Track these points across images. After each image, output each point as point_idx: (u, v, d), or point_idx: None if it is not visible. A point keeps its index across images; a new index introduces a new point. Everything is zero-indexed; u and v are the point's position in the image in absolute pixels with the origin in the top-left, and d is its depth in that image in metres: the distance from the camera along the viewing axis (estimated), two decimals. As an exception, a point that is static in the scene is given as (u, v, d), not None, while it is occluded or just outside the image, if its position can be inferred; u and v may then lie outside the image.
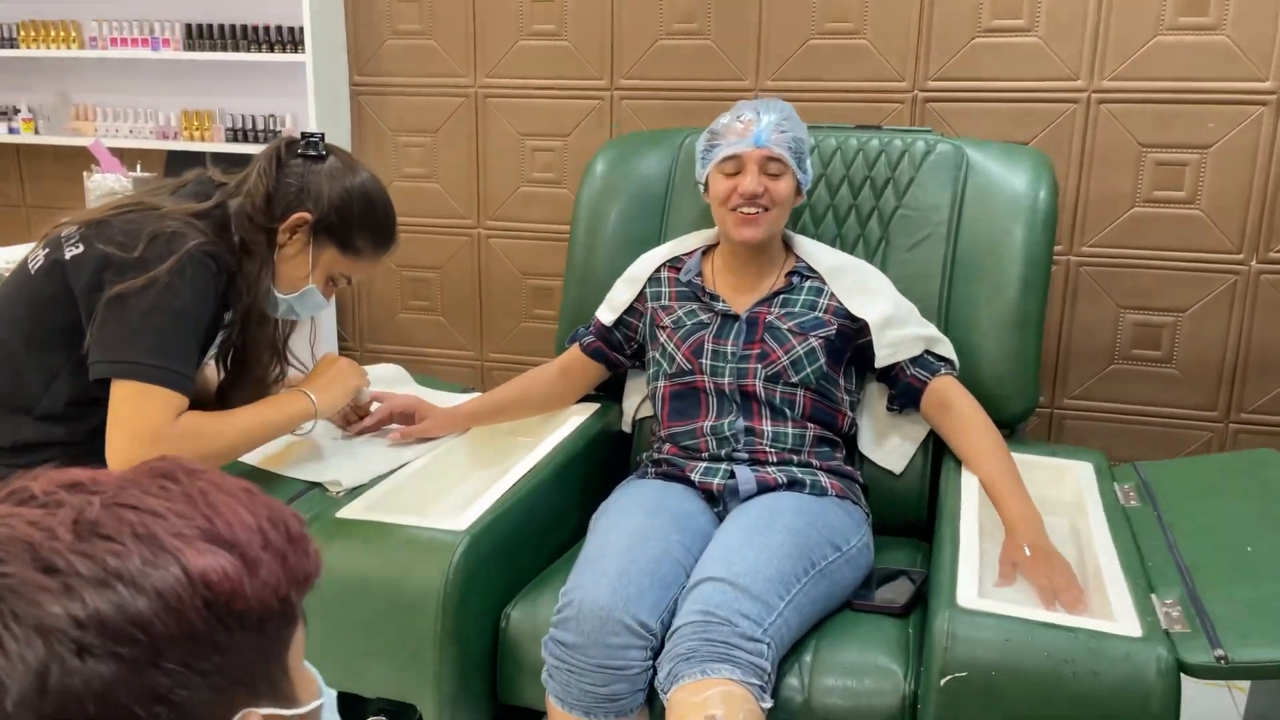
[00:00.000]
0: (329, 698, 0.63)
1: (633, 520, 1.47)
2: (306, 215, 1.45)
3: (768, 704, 1.24)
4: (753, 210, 1.60)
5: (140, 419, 1.26)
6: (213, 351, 1.46)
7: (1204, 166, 2.30)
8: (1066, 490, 1.59)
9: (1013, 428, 1.81)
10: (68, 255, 1.32)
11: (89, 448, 1.35)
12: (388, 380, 1.86)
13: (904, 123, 2.45)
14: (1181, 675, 1.11)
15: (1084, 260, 2.41)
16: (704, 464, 1.60)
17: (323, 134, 1.54)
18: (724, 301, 1.69)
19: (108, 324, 1.28)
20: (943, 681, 1.14)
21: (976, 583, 1.26)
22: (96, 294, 1.28)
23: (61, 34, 3.01)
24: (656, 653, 1.32)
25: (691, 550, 1.44)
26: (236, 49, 2.84)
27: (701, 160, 1.66)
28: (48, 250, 1.36)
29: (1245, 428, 2.38)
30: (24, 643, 0.46)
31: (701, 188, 1.69)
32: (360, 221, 1.49)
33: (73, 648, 0.47)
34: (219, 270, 1.36)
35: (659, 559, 1.39)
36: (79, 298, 1.30)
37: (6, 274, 1.90)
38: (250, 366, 1.48)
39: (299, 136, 1.52)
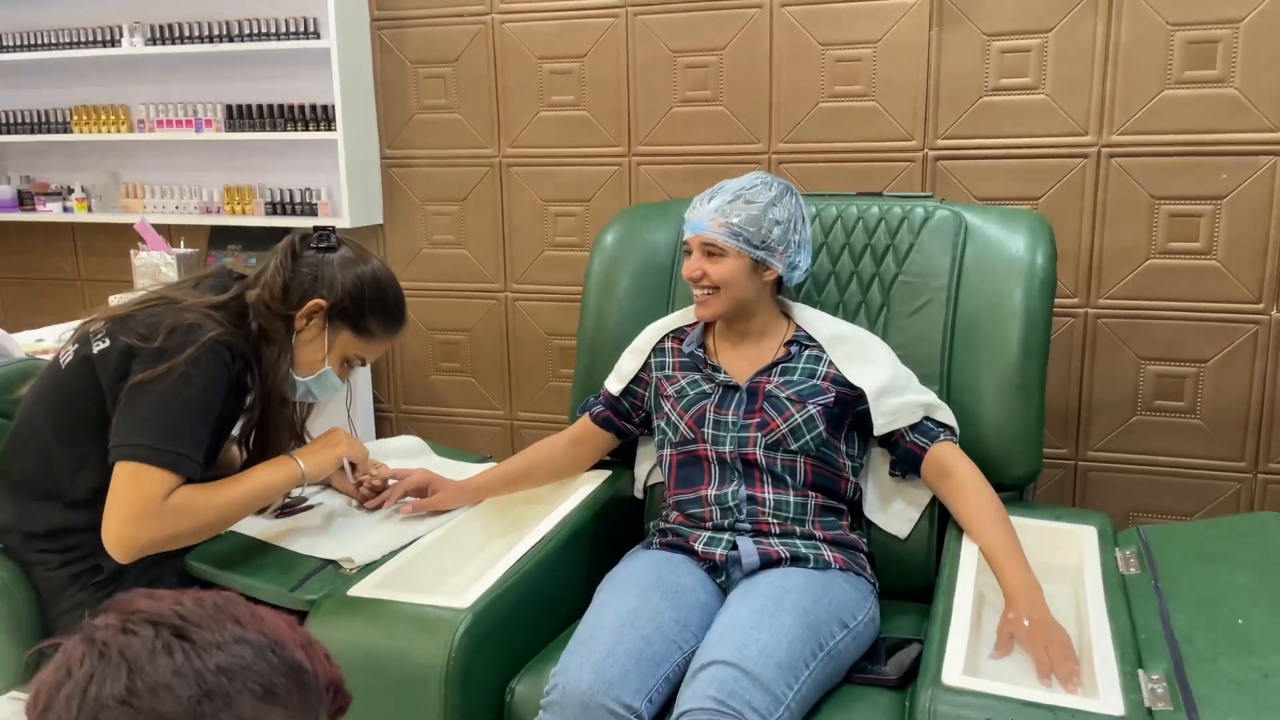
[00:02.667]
0: None
1: (626, 600, 1.50)
2: (321, 302, 1.54)
3: None
4: (701, 291, 1.69)
5: (133, 496, 1.34)
6: (235, 434, 1.54)
7: (1219, 217, 2.29)
8: (1069, 556, 1.59)
9: (1020, 490, 1.82)
10: (95, 350, 1.42)
11: (114, 534, 1.44)
12: (406, 451, 1.93)
13: (915, 182, 2.48)
14: (1164, 754, 1.11)
15: (1101, 313, 2.41)
16: (707, 534, 1.64)
17: (334, 227, 1.63)
18: (725, 372, 1.73)
19: (125, 411, 1.37)
20: (925, 761, 1.16)
21: (963, 658, 1.27)
22: (121, 384, 1.37)
23: (111, 118, 3.18)
24: None
25: (688, 626, 1.47)
26: (274, 128, 2.98)
27: None
28: (77, 346, 1.45)
29: (1274, 478, 2.35)
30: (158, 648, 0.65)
31: None
32: (372, 305, 1.57)
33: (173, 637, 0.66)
34: (233, 358, 1.44)
35: (649, 639, 1.42)
36: (106, 390, 1.39)
37: (53, 353, 2.01)
38: (270, 447, 1.56)
39: (312, 230, 1.61)
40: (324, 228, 1.61)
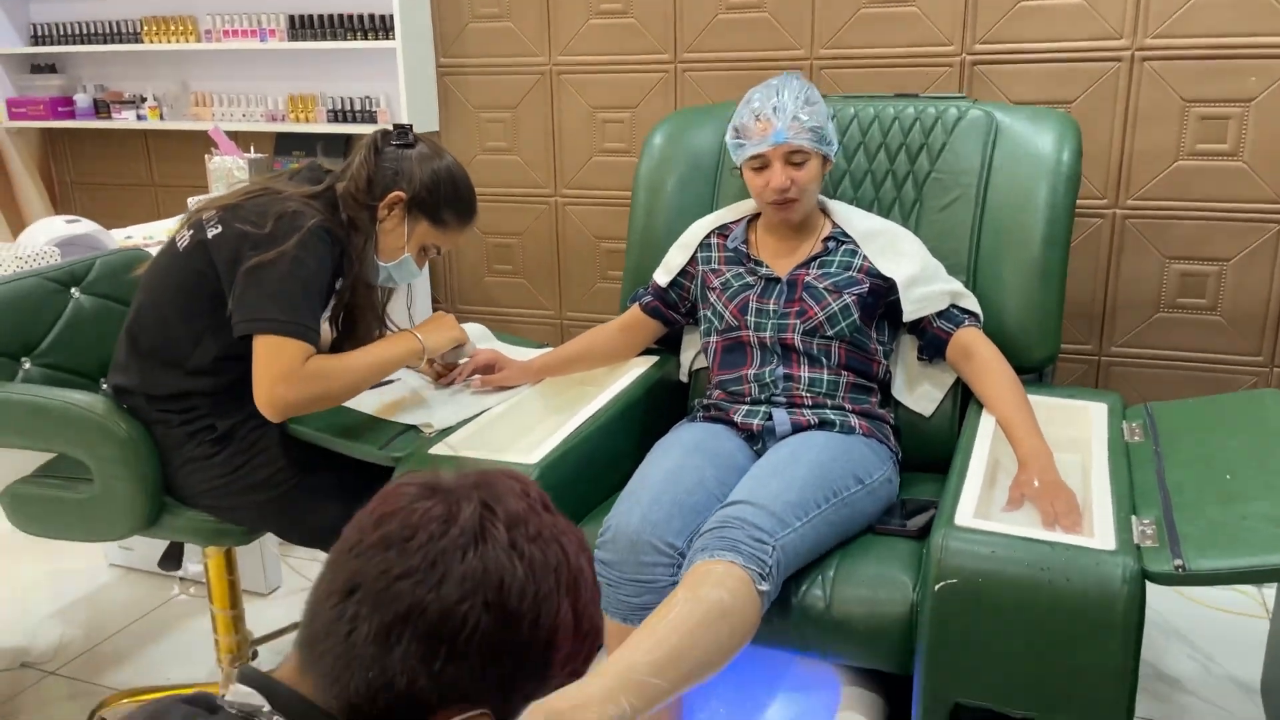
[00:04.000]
0: None
1: (671, 457, 1.68)
2: (401, 194, 1.69)
3: (764, 588, 1.40)
4: (785, 200, 1.78)
5: (278, 364, 1.52)
6: (325, 315, 1.72)
7: (1246, 120, 2.36)
8: (1080, 429, 1.74)
9: (1040, 373, 1.96)
10: (209, 235, 1.59)
11: (229, 396, 1.63)
12: (473, 337, 2.11)
13: (952, 86, 2.57)
14: (1147, 583, 1.28)
15: (1129, 213, 2.51)
16: (746, 407, 1.81)
17: (412, 125, 1.78)
18: (767, 266, 1.88)
19: (247, 290, 1.54)
20: (936, 588, 1.33)
21: (974, 506, 1.44)
22: (236, 266, 1.55)
23: (179, 28, 3.33)
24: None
25: (725, 483, 1.65)
26: (334, 37, 3.11)
27: (732, 154, 1.84)
28: (192, 231, 1.63)
29: (1290, 372, 2.46)
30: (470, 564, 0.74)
31: (738, 172, 1.87)
32: (447, 198, 1.73)
33: (484, 601, 0.74)
34: (333, 243, 1.61)
35: (691, 489, 1.60)
36: (221, 270, 1.57)
37: (145, 247, 2.20)
38: (357, 327, 1.74)
39: (392, 128, 1.76)
40: (402, 125, 1.76)
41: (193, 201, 2.89)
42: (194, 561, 2.41)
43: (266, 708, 0.75)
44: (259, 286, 1.55)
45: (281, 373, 1.53)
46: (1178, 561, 1.27)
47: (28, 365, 1.78)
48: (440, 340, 1.79)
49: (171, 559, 1.91)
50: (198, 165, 3.37)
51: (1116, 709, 1.29)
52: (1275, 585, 1.77)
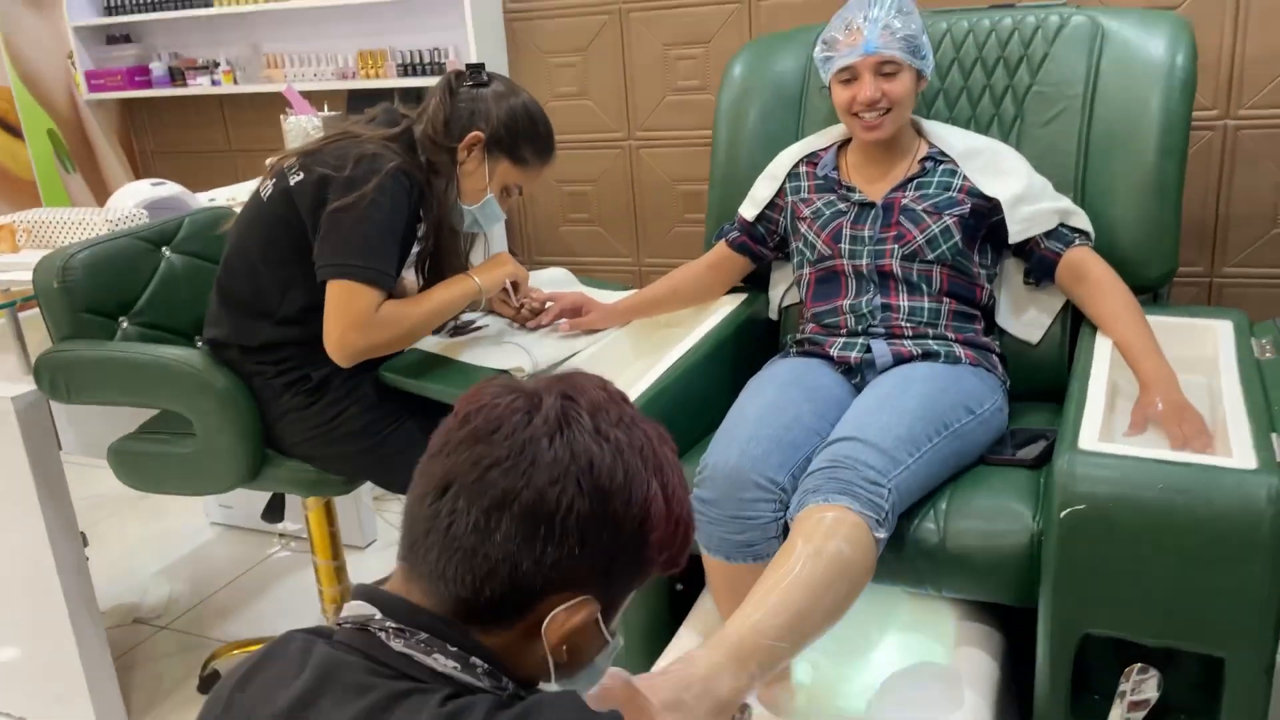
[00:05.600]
0: (617, 643, 0.85)
1: (767, 394, 1.63)
2: (480, 134, 1.66)
3: (880, 535, 1.36)
4: (874, 114, 1.69)
5: (351, 310, 1.52)
6: (411, 261, 1.70)
7: (1374, 14, 2.19)
8: (1205, 349, 1.64)
9: (1156, 293, 1.85)
10: (292, 182, 1.58)
11: (321, 345, 1.63)
12: (557, 282, 2.07)
13: (1047, -4, 2.42)
14: (1295, 503, 1.19)
15: (1241, 124, 2.36)
16: (842, 339, 1.74)
17: (484, 63, 1.74)
18: (860, 191, 1.80)
19: (327, 236, 1.53)
20: (1062, 514, 1.27)
21: (1098, 429, 1.36)
22: (318, 211, 1.54)
23: (248, -10, 3.33)
24: (786, 506, 1.48)
25: (825, 417, 1.59)
26: (401, -12, 3.07)
27: (821, 69, 1.76)
28: (275, 180, 1.62)
29: None
30: (560, 451, 0.75)
31: (827, 90, 1.79)
32: (525, 135, 1.69)
33: (576, 480, 0.75)
34: (412, 185, 1.59)
35: (789, 425, 1.55)
36: (305, 216, 1.56)
37: (233, 206, 2.21)
38: (444, 274, 1.71)
39: (465, 68, 1.72)
40: (475, 64, 1.72)
41: (270, 162, 2.91)
42: (292, 521, 2.46)
43: (378, 615, 0.76)
44: (337, 231, 1.53)
45: (354, 319, 1.53)
46: (1330, 479, 1.18)
47: (125, 324, 1.80)
48: (495, 276, 1.75)
49: (274, 511, 1.94)
50: (274, 128, 3.37)
51: (1262, 634, 1.21)
52: None
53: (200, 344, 1.91)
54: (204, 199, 2.63)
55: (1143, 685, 1.32)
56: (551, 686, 0.81)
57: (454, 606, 0.76)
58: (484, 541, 0.73)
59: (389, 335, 1.57)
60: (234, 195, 2.71)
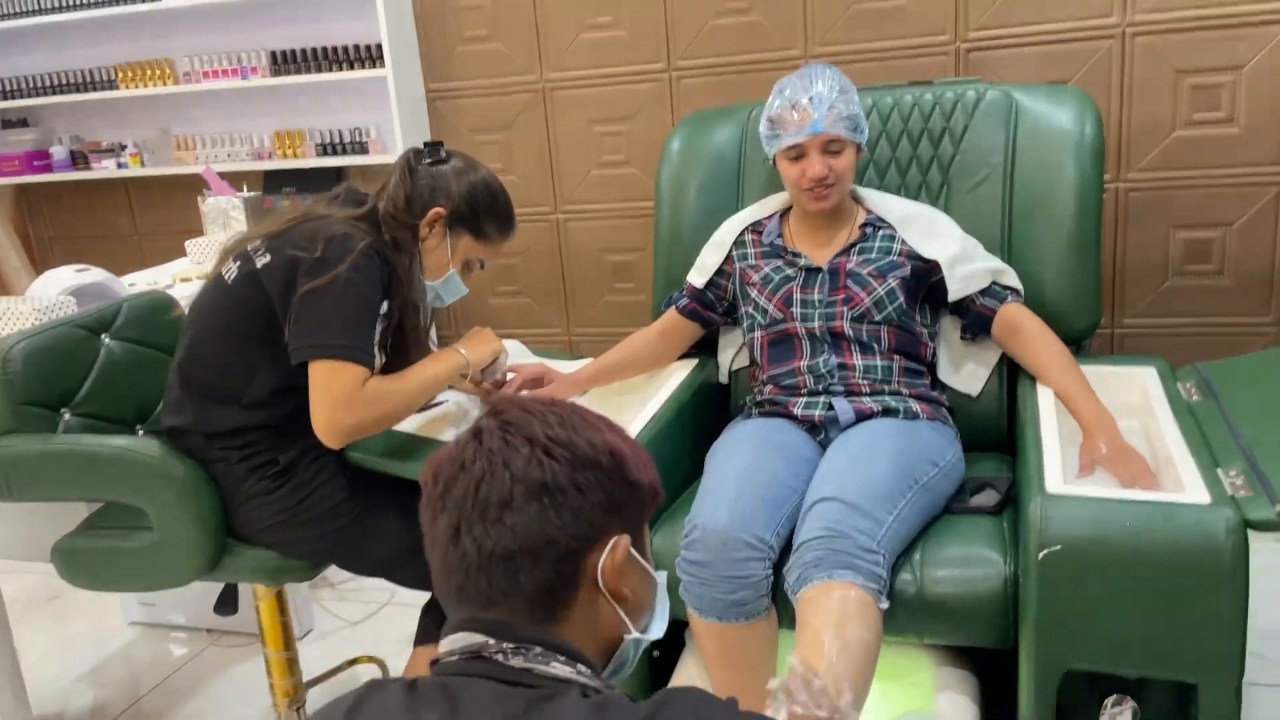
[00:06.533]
0: (662, 576, 0.95)
1: (743, 454, 1.68)
2: (441, 210, 1.67)
3: (884, 605, 1.44)
4: (821, 188, 1.79)
5: (337, 388, 1.50)
6: (375, 339, 1.68)
7: (1238, 86, 2.43)
8: (1135, 394, 1.76)
9: (1079, 344, 1.98)
10: (259, 264, 1.56)
11: (289, 428, 1.59)
12: (513, 353, 2.08)
13: (949, 74, 2.61)
14: (1249, 532, 1.29)
15: (1133, 186, 2.56)
16: (804, 399, 1.80)
17: (442, 141, 1.76)
18: (805, 257, 1.88)
19: (302, 317, 1.51)
20: (1041, 556, 1.33)
21: (1060, 473, 1.44)
22: (290, 292, 1.52)
23: (157, 72, 3.27)
24: (774, 564, 1.53)
25: (799, 475, 1.64)
26: (320, 70, 3.08)
27: (766, 143, 1.84)
28: (239, 262, 1.59)
29: (1300, 329, 2.52)
30: (519, 445, 0.85)
31: (770, 162, 1.88)
32: (487, 209, 1.71)
33: (544, 453, 0.84)
34: (383, 263, 1.59)
35: (769, 484, 1.60)
36: (274, 298, 1.54)
37: (157, 289, 2.14)
38: (408, 349, 1.70)
39: (423, 145, 1.74)
40: (433, 142, 1.74)
41: (192, 244, 2.84)
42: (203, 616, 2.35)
43: (491, 641, 0.83)
44: (313, 311, 1.52)
45: (341, 398, 1.51)
46: (1279, 508, 1.28)
47: (67, 416, 1.72)
48: (482, 352, 1.77)
49: (227, 603, 1.86)
50: (183, 211, 3.31)
51: (1229, 658, 1.30)
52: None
53: (141, 432, 1.84)
54: (125, 283, 2.54)
55: (1120, 716, 1.39)
56: (635, 636, 0.90)
57: (528, 614, 0.84)
58: (513, 539, 0.82)
59: (378, 412, 1.55)
60: (155, 279, 2.63)
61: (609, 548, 0.85)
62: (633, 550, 0.88)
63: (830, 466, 1.61)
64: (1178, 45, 2.44)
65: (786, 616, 1.57)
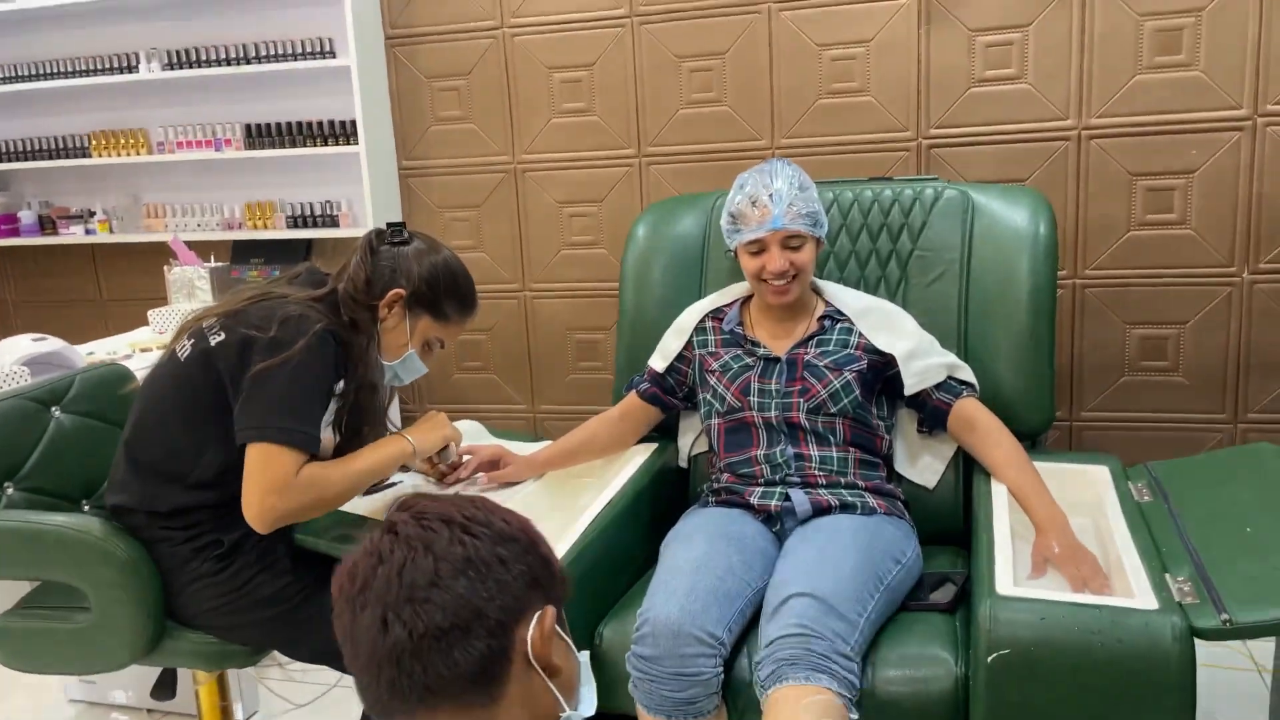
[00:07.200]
0: (585, 656, 0.97)
1: (697, 545, 1.67)
2: (401, 291, 1.68)
3: (854, 716, 1.42)
4: (782, 282, 1.81)
5: (269, 473, 1.48)
6: (328, 419, 1.67)
7: (1190, 190, 2.50)
8: (1087, 492, 1.77)
9: (1034, 439, 2.00)
10: (213, 342, 1.55)
11: (233, 509, 1.57)
12: (470, 434, 2.07)
13: (911, 168, 2.67)
14: (1195, 640, 1.29)
15: (1088, 282, 2.62)
16: (760, 489, 1.80)
17: (405, 222, 1.77)
18: (764, 346, 1.90)
19: (250, 398, 1.50)
20: (989, 659, 1.33)
21: (1011, 574, 1.44)
22: (241, 373, 1.51)
23: (130, 141, 3.29)
24: (725, 660, 1.51)
25: (753, 567, 1.63)
26: (294, 144, 3.10)
27: (727, 236, 1.87)
28: (193, 340, 1.58)
29: (1253, 427, 2.56)
30: (438, 528, 0.85)
31: (731, 255, 1.90)
32: (447, 291, 1.72)
33: (463, 531, 0.86)
34: (338, 345, 1.58)
35: (722, 577, 1.58)
36: (225, 377, 1.52)
37: (115, 360, 2.13)
38: (362, 430, 1.69)
39: (386, 226, 1.75)
40: (396, 223, 1.75)
41: (155, 314, 2.82)
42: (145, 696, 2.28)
43: None
44: (260, 393, 1.51)
45: (273, 483, 1.49)
46: (1224, 616, 1.29)
47: (10, 490, 1.69)
48: (431, 440, 1.76)
49: (165, 687, 1.80)
50: (150, 278, 3.30)
51: (1177, 769, 1.28)
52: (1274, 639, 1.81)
53: (88, 508, 1.81)
54: (83, 353, 2.52)
55: (1070, 824, 1.37)
56: (568, 715, 0.91)
57: (467, 697, 0.83)
58: (443, 616, 0.82)
59: (311, 498, 1.52)
60: (114, 349, 2.61)
61: (536, 619, 0.86)
62: (559, 626, 0.89)
63: (796, 560, 1.60)
64: (1131, 149, 2.52)
65: (736, 713, 1.54)
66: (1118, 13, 2.47)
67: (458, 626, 0.82)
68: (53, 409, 1.81)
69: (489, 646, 0.83)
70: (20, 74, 3.30)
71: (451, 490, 1.87)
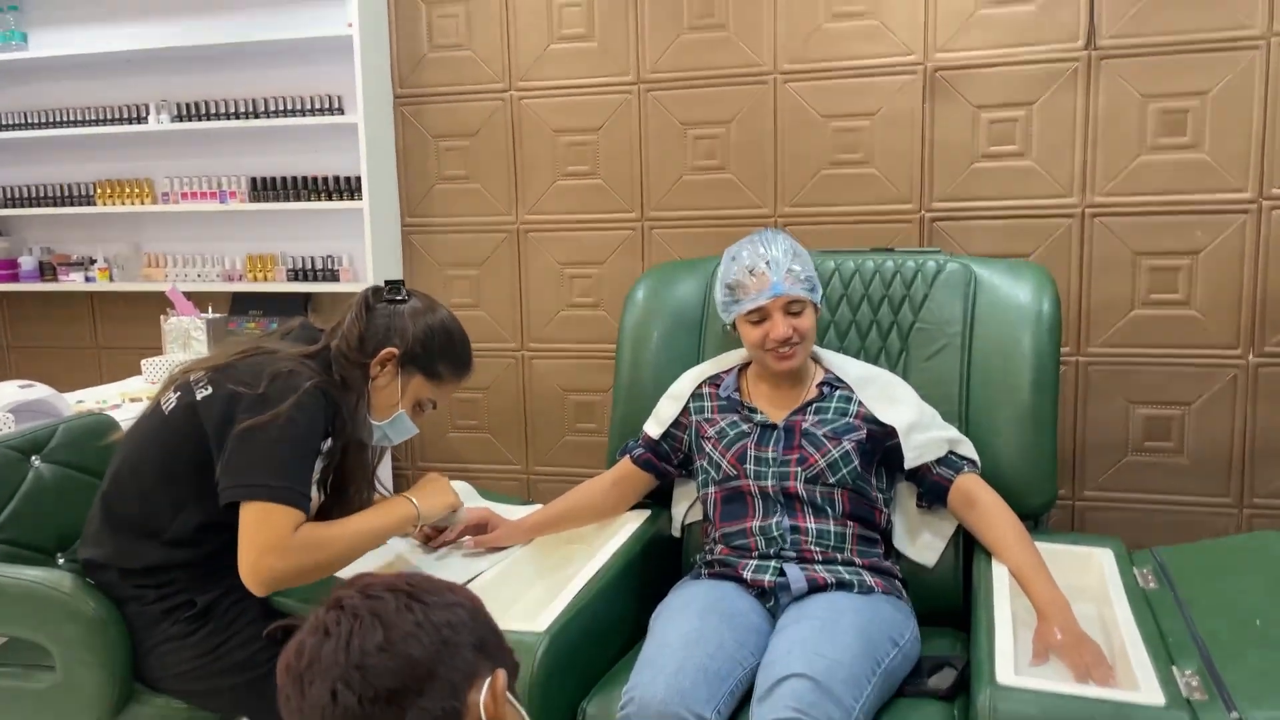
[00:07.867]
0: None
1: (687, 621, 1.61)
2: (394, 350, 1.65)
3: None
4: (787, 348, 1.78)
5: (267, 533, 1.43)
6: (315, 477, 1.63)
7: (1195, 270, 2.49)
8: (1090, 577, 1.72)
9: (1036, 519, 1.95)
10: (199, 396, 1.51)
11: (209, 569, 1.52)
12: (459, 496, 2.02)
13: (913, 241, 2.66)
14: (1203, 738, 1.23)
15: (1092, 360, 2.59)
16: (754, 562, 1.75)
17: (403, 280, 1.75)
18: (762, 413, 1.86)
19: (238, 454, 1.46)
20: (988, 752, 1.27)
21: (1012, 661, 1.39)
22: (226, 428, 1.47)
23: (135, 190, 3.30)
24: None
25: (745, 645, 1.57)
26: (298, 198, 3.11)
27: (725, 310, 1.85)
28: (179, 393, 1.55)
29: (1260, 513, 2.51)
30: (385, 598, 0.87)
31: (730, 328, 1.88)
32: (441, 351, 1.69)
33: (409, 598, 0.87)
34: (328, 404, 1.55)
35: (713, 655, 1.53)
36: (210, 433, 1.49)
37: (98, 411, 2.09)
38: (347, 490, 1.65)
39: (383, 284, 1.73)
40: (394, 281, 1.73)
41: (148, 363, 2.80)
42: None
43: None
44: (249, 450, 1.46)
45: (270, 543, 1.44)
46: (1234, 715, 1.23)
47: (-18, 541, 1.64)
48: (436, 506, 1.72)
49: (130, 753, 1.73)
50: (147, 326, 3.28)
51: None
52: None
53: (63, 561, 1.75)
54: (72, 401, 2.49)
55: None
56: None
57: None
58: (395, 678, 0.82)
59: (311, 560, 1.47)
60: (103, 398, 2.58)
61: (488, 683, 0.87)
62: (509, 690, 0.89)
63: (792, 638, 1.54)
64: (1136, 228, 2.51)
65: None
66: (1122, 94, 2.48)
67: (409, 688, 0.83)
68: (33, 458, 1.77)
69: (442, 709, 0.84)
70: (31, 121, 3.32)
71: (435, 555, 1.82)
